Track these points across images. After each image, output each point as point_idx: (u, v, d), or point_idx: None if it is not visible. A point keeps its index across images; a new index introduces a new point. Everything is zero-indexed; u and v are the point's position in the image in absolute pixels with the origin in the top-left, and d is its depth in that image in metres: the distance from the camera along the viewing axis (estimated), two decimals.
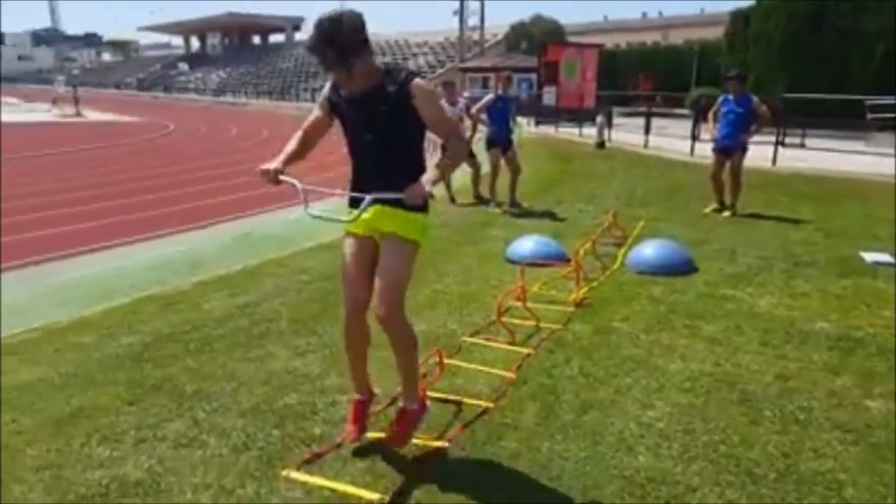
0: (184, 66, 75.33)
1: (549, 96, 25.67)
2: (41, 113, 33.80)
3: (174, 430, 3.15)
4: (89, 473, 2.86)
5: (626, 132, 19.04)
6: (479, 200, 9.40)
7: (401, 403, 3.06)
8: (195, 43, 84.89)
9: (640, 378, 3.78)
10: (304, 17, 71.74)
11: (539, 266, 5.79)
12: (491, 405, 3.44)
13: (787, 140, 15.94)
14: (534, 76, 27.96)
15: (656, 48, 41.24)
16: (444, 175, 2.80)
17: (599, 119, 17.98)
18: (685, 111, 24.84)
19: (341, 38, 2.49)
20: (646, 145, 16.59)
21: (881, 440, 3.13)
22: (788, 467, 2.92)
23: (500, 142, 8.92)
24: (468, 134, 9.46)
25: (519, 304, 4.73)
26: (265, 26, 76.20)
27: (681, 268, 5.84)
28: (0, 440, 2.93)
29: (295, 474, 2.80)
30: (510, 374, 3.79)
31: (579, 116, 21.61)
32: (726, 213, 8.42)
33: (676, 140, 16.46)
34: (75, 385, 3.70)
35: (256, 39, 78.95)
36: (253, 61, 66.40)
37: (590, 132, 18.19)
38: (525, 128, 20.34)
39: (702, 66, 32.03)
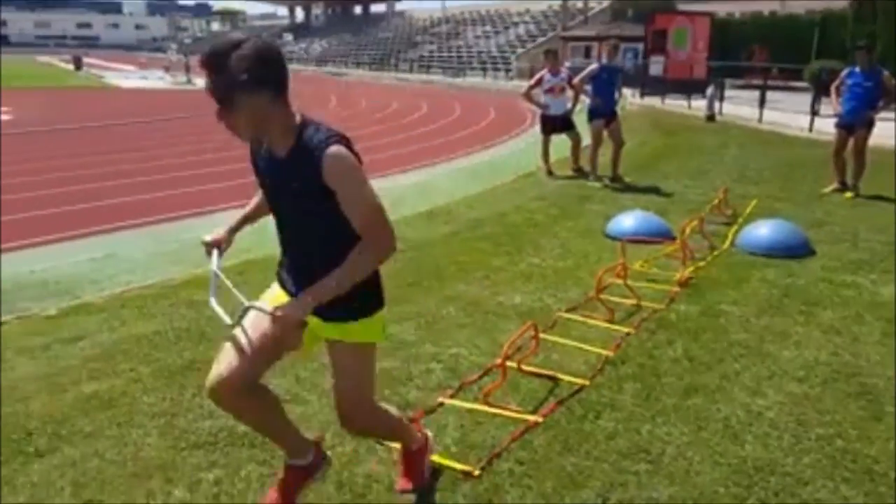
0: (288, 37, 77.42)
1: (655, 66, 24.64)
2: (154, 80, 35.63)
3: (278, 385, 3.27)
4: (200, 423, 3.01)
5: (739, 105, 18.06)
6: (579, 173, 9.16)
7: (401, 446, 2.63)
8: (300, 14, 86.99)
9: (749, 364, 3.60)
10: None
11: (641, 243, 5.60)
12: (587, 383, 3.37)
13: None
14: (640, 46, 26.90)
15: (774, 18, 38.70)
16: (321, 299, 1.99)
17: (710, 91, 17.08)
18: (804, 84, 23.26)
19: (234, 63, 1.85)
20: (760, 119, 15.64)
21: None
22: None
23: (604, 113, 8.63)
24: (569, 105, 9.25)
25: (619, 281, 4.59)
26: None
27: (797, 250, 5.50)
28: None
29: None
30: (608, 353, 3.69)
31: (688, 88, 20.64)
32: (848, 194, 7.84)
33: (794, 115, 15.44)
34: (188, 339, 3.91)
35: (358, 10, 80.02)
36: (354, 31, 67.37)
37: (699, 105, 17.34)
38: (629, 99, 19.65)
39: (823, 38, 29.82)
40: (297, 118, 2.01)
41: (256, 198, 2.37)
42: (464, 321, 4.15)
